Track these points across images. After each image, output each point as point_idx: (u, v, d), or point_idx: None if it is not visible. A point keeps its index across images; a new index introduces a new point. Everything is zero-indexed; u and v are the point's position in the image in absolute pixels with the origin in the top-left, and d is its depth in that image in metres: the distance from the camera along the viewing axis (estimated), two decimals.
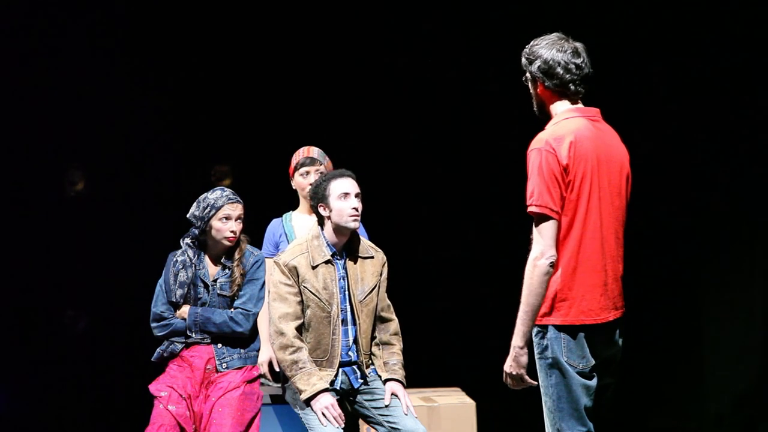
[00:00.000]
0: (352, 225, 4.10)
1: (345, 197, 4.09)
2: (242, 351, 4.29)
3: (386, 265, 4.26)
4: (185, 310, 4.27)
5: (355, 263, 4.16)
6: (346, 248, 4.17)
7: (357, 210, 4.09)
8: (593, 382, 3.39)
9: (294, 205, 4.76)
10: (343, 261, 4.14)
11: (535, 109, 3.57)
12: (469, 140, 6.79)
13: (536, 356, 3.43)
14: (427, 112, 6.90)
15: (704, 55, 5.92)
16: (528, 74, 3.49)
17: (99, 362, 6.64)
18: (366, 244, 4.25)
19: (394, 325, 4.26)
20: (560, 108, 3.47)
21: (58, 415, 6.56)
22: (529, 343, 3.34)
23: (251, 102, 6.84)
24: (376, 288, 4.18)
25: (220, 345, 4.27)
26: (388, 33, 6.80)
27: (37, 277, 6.58)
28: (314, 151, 4.68)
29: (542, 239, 3.30)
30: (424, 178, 6.94)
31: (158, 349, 4.30)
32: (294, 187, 4.72)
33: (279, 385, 4.49)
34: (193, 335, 4.25)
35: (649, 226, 6.13)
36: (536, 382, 3.42)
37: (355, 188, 4.13)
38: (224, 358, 4.25)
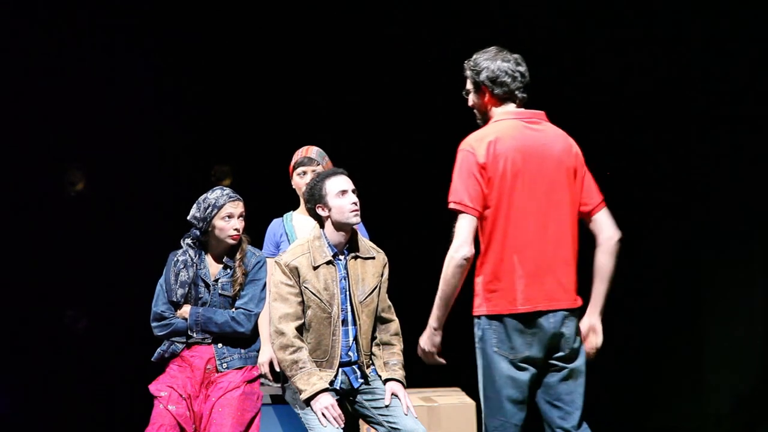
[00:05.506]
0: (354, 220, 4.10)
1: (343, 194, 4.10)
2: (242, 351, 4.29)
3: (387, 266, 4.26)
4: (186, 309, 4.26)
5: (357, 264, 4.16)
6: (348, 248, 4.17)
7: (356, 204, 4.10)
8: (523, 375, 3.51)
9: (294, 205, 4.76)
10: (344, 261, 4.14)
11: (478, 119, 3.73)
12: None
13: (475, 344, 3.58)
14: (428, 112, 6.90)
15: (702, 56, 5.93)
16: (472, 86, 3.67)
17: (99, 362, 6.63)
18: (367, 245, 4.25)
19: (395, 325, 4.26)
20: (500, 114, 3.64)
21: (59, 415, 6.56)
22: (445, 327, 3.58)
23: (252, 102, 6.84)
24: (377, 289, 4.18)
25: (220, 345, 4.27)
26: (389, 33, 6.80)
27: (37, 277, 6.58)
28: (313, 151, 4.68)
29: (458, 234, 3.50)
30: (425, 179, 6.94)
31: (159, 349, 4.29)
32: (293, 187, 4.73)
33: (279, 385, 4.49)
34: (195, 335, 4.25)
35: (649, 227, 6.14)
36: (444, 362, 3.67)
37: (350, 184, 4.14)
38: (225, 358, 4.25)
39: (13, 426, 6.44)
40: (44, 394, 6.56)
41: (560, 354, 3.57)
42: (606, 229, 3.62)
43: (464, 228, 3.50)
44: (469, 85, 3.70)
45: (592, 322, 3.65)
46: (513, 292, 3.49)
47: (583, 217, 3.65)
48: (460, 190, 3.52)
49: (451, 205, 3.53)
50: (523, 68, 3.64)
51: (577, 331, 3.61)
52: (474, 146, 3.52)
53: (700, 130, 6.01)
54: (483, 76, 3.62)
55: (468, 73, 3.67)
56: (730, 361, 5.91)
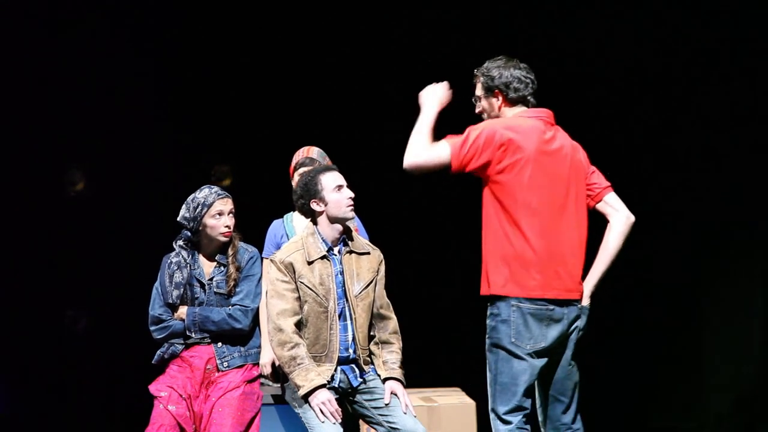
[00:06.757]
0: (351, 215, 4.15)
1: (339, 189, 4.13)
2: (242, 349, 4.29)
3: (383, 263, 4.26)
4: (183, 311, 4.27)
5: (351, 258, 4.17)
6: (342, 244, 4.18)
7: (352, 199, 4.15)
8: (539, 361, 3.63)
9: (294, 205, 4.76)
10: (339, 256, 4.16)
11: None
12: None
13: (487, 335, 3.71)
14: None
15: (703, 55, 5.93)
16: (483, 91, 3.84)
17: (99, 362, 6.64)
18: (362, 242, 4.26)
19: (393, 323, 4.26)
20: (515, 113, 3.80)
21: (59, 415, 6.56)
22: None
23: (251, 102, 6.84)
24: (373, 283, 4.19)
25: (220, 344, 4.27)
26: (389, 33, 6.79)
27: (38, 277, 6.58)
28: (314, 152, 4.68)
29: (431, 148, 3.78)
30: (425, 178, 6.93)
31: (158, 351, 4.29)
32: (294, 187, 4.72)
33: (279, 385, 4.49)
34: (193, 335, 4.25)
35: (649, 227, 6.14)
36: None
37: (344, 180, 4.18)
38: (225, 357, 4.25)
39: (13, 426, 6.44)
40: (44, 394, 6.56)
41: (569, 346, 3.70)
42: (620, 209, 3.79)
43: (437, 152, 3.74)
44: (479, 91, 3.87)
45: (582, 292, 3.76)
46: (530, 279, 3.62)
47: (593, 204, 3.80)
48: (468, 144, 3.65)
49: (449, 138, 3.71)
50: (533, 76, 3.84)
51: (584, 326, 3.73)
52: (502, 127, 3.67)
53: (700, 131, 6.00)
54: (498, 81, 3.80)
55: (481, 79, 3.85)
56: (730, 360, 5.92)
